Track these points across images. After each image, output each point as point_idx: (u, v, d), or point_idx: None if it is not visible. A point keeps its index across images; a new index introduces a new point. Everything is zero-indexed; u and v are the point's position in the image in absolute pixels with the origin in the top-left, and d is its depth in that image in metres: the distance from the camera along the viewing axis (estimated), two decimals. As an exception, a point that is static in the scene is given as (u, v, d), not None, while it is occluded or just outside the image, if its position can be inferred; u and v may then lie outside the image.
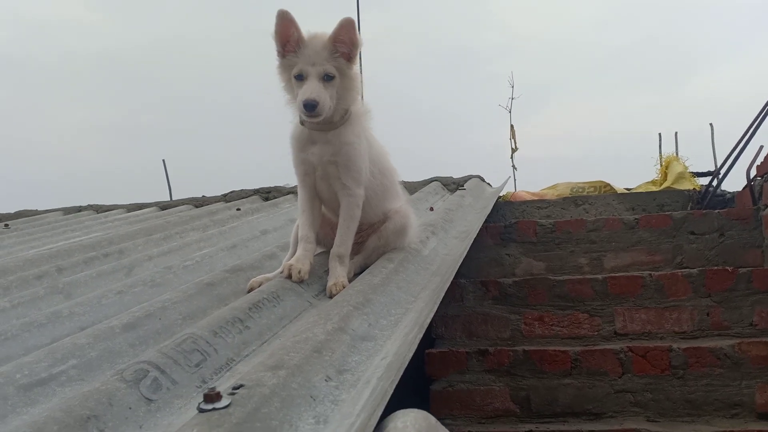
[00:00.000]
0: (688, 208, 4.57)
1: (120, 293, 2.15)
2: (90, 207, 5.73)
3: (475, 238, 3.24)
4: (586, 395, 2.92)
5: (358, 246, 2.35)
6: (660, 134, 6.56)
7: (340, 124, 2.14)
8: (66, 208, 5.82)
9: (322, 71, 2.00)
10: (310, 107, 1.96)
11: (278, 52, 2.07)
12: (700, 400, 2.82)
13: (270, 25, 2.03)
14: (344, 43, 2.01)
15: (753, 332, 3.09)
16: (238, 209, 4.40)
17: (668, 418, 2.84)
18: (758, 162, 3.81)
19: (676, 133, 6.52)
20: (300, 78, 2.02)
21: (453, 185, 4.77)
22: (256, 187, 5.45)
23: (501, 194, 5.23)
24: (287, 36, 2.02)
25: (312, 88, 1.97)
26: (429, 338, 3.31)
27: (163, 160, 8.68)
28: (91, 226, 4.49)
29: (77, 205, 5.84)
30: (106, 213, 5.37)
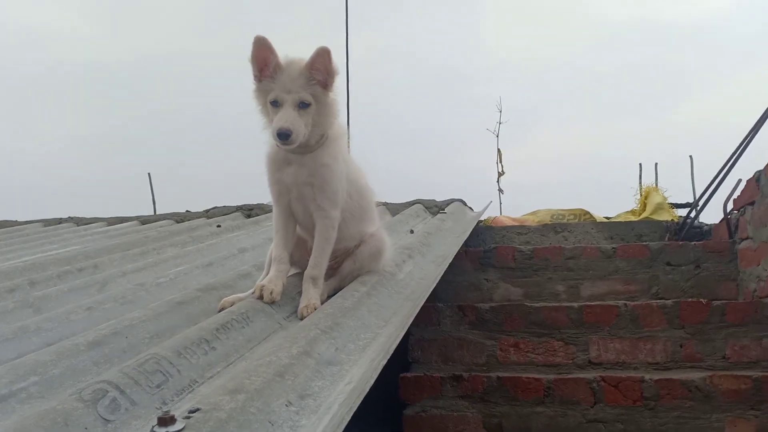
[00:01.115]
0: (666, 238, 4.61)
1: (89, 309, 2.13)
2: (71, 219, 5.70)
3: (454, 263, 3.25)
4: (558, 424, 2.92)
5: (333, 269, 2.34)
6: (640, 164, 6.63)
7: (316, 147, 2.15)
8: (46, 219, 5.78)
9: (297, 99, 2.00)
10: (283, 136, 1.97)
11: (255, 76, 2.07)
12: (670, 432, 2.83)
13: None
14: (320, 71, 2.02)
15: (725, 365, 3.11)
16: (219, 226, 4.39)
17: (639, 449, 2.84)
18: (735, 196, 3.85)
19: (656, 163, 6.60)
20: (276, 104, 2.03)
21: (435, 208, 4.78)
22: (240, 203, 5.44)
23: (482, 219, 5.25)
24: (264, 61, 2.03)
25: (286, 117, 1.97)
26: (405, 362, 3.31)
27: (149, 174, 8.65)
28: (69, 239, 4.46)
29: (58, 217, 5.80)
30: (86, 226, 5.34)
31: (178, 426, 1.07)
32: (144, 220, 5.40)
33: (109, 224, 5.40)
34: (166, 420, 1.07)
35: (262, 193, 5.50)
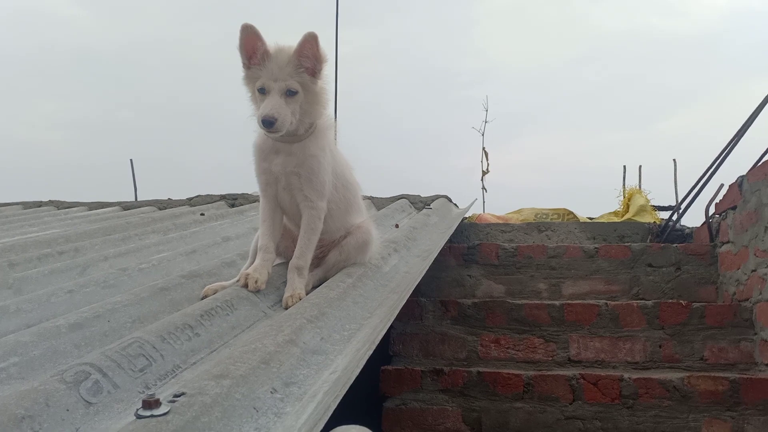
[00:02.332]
0: (648, 240, 4.65)
1: (70, 292, 2.11)
2: (51, 203, 5.62)
3: (438, 258, 3.25)
4: (536, 420, 2.94)
5: (318, 259, 2.34)
6: (624, 167, 6.70)
7: (305, 137, 2.14)
8: (26, 202, 5.70)
9: (284, 87, 1.99)
10: (268, 124, 1.95)
11: (244, 64, 2.06)
12: (647, 431, 2.86)
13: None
14: (308, 57, 2.00)
15: (703, 366, 3.15)
16: (202, 214, 4.36)
17: (615, 447, 2.87)
18: (717, 200, 3.89)
19: (640, 166, 6.67)
20: (263, 91, 2.01)
21: (420, 204, 4.78)
22: (223, 192, 5.40)
23: (467, 215, 5.26)
24: (252, 49, 2.01)
25: (272, 105, 1.96)
26: (386, 355, 3.31)
27: (131, 160, 8.59)
28: (49, 222, 4.40)
29: (38, 200, 5.72)
30: (67, 210, 5.27)
31: (162, 409, 1.06)
32: (126, 206, 5.34)
33: (90, 209, 5.34)
34: (150, 403, 1.05)
35: (245, 184, 5.47)
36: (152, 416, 1.04)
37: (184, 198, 5.46)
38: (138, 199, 6.36)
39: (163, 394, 1.12)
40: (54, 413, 1.16)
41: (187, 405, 1.10)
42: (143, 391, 1.35)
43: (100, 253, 2.89)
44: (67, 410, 1.18)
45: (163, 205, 5.28)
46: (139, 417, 1.05)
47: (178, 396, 1.13)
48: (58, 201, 5.65)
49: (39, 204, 5.58)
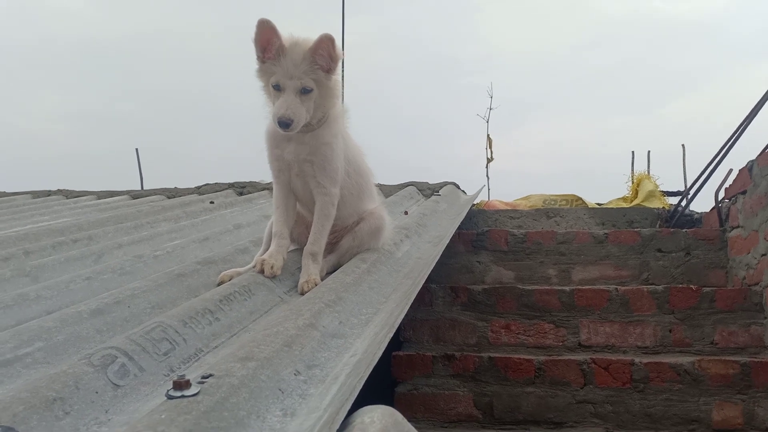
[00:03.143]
0: (657, 225, 4.65)
1: (88, 279, 2.13)
2: (60, 192, 5.64)
3: (447, 244, 3.26)
4: (548, 404, 2.96)
5: (331, 245, 2.35)
6: (633, 152, 6.68)
7: (318, 126, 2.15)
8: (35, 191, 5.72)
9: (299, 85, 1.99)
10: (284, 125, 1.97)
11: (258, 57, 2.05)
12: (658, 414, 2.88)
13: (252, 22, 2.02)
14: (323, 56, 2.00)
15: (713, 350, 3.17)
16: (212, 202, 4.37)
17: (627, 430, 2.89)
18: (727, 185, 3.89)
19: (648, 152, 6.65)
20: (278, 88, 2.02)
21: (428, 191, 4.79)
22: (231, 181, 5.42)
23: (475, 202, 5.27)
24: (267, 42, 2.00)
25: (287, 104, 1.96)
26: (397, 341, 3.33)
27: (136, 149, 8.60)
28: (60, 210, 4.42)
29: (47, 189, 5.74)
30: (76, 199, 5.29)
31: (193, 390, 1.07)
32: (135, 195, 5.36)
33: (99, 198, 5.36)
34: (181, 384, 1.07)
35: (252, 172, 5.48)
36: (183, 396, 1.06)
37: (192, 187, 5.48)
38: (144, 188, 6.38)
39: (192, 375, 1.14)
40: (84, 396, 1.18)
41: (216, 386, 1.12)
42: (168, 374, 1.37)
43: (113, 241, 2.91)
44: (96, 393, 1.20)
45: (171, 193, 5.30)
46: (170, 398, 1.06)
47: (206, 377, 1.14)
48: (67, 190, 5.67)
49: (48, 193, 5.61)
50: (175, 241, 2.97)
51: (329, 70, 2.05)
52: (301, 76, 1.99)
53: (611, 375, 2.95)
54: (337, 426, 1.04)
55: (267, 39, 2.01)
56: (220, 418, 1.05)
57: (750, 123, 4.08)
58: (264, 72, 2.07)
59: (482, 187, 5.28)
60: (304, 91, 2.02)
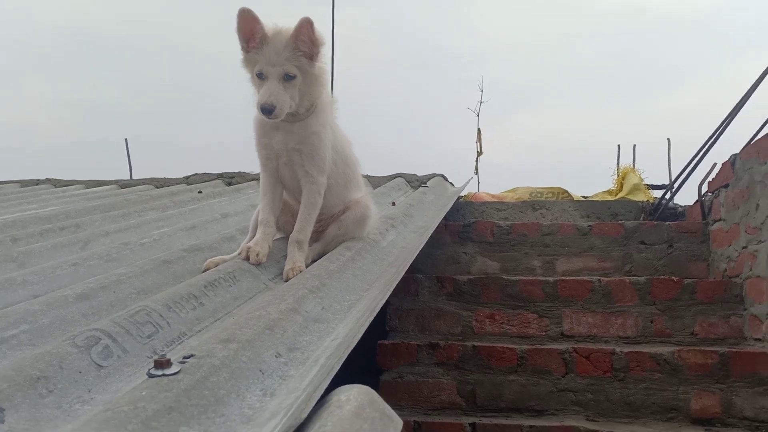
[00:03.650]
0: (641, 218, 4.71)
1: (75, 265, 2.15)
2: (48, 181, 5.64)
3: (434, 236, 3.30)
4: (530, 392, 3.00)
5: (317, 234, 2.38)
6: (619, 146, 6.75)
7: (306, 116, 2.17)
8: (23, 180, 5.72)
9: (282, 72, 2.01)
10: (266, 111, 1.98)
11: (242, 47, 2.07)
12: (638, 403, 2.93)
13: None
14: (304, 42, 2.01)
15: (693, 341, 3.22)
16: (200, 192, 4.39)
17: (607, 418, 2.94)
18: (710, 179, 3.94)
19: (634, 145, 6.72)
20: (261, 76, 2.03)
21: (416, 182, 4.82)
22: (220, 171, 5.42)
23: (462, 194, 5.31)
24: (250, 32, 2.02)
25: (270, 91, 1.98)
26: (383, 330, 3.37)
27: (126, 139, 8.59)
28: (48, 199, 4.42)
29: (35, 178, 5.74)
30: (64, 188, 5.29)
31: (173, 369, 1.10)
32: (123, 184, 5.36)
33: (87, 187, 5.36)
34: (162, 363, 1.10)
35: (240, 162, 5.50)
36: (164, 375, 1.09)
37: (181, 176, 5.48)
38: (133, 178, 6.38)
39: (174, 356, 1.17)
40: (67, 375, 1.20)
41: (197, 366, 1.15)
42: (151, 356, 1.40)
43: (100, 229, 2.92)
44: (80, 372, 1.23)
45: (159, 183, 5.30)
46: (151, 376, 1.09)
47: (188, 357, 1.17)
48: (55, 179, 5.67)
49: (36, 182, 5.60)
50: (162, 229, 2.99)
51: (312, 57, 2.06)
52: (283, 62, 2.01)
53: (592, 364, 2.99)
54: (313, 403, 1.07)
55: (249, 28, 2.02)
56: (200, 396, 1.08)
57: (734, 117, 4.14)
58: (248, 61, 2.09)
59: (470, 179, 5.33)
60: (287, 78, 2.03)
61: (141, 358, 1.38)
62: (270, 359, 1.34)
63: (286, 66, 2.02)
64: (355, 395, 1.05)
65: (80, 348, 1.28)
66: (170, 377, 1.08)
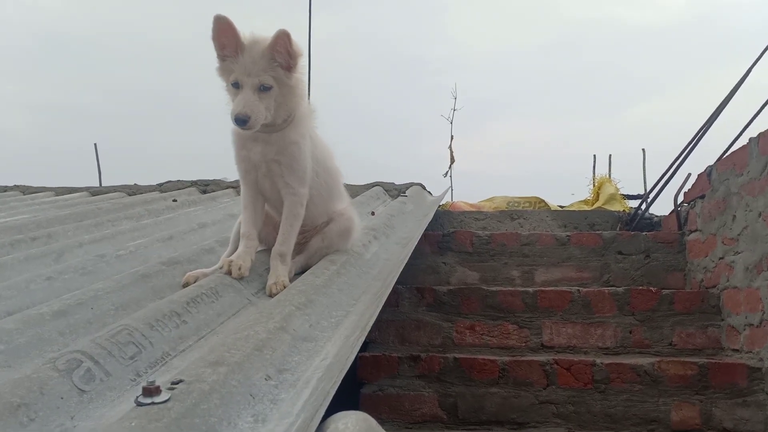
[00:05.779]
0: (618, 228, 4.74)
1: (49, 279, 2.08)
2: (16, 187, 5.50)
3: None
4: (511, 404, 2.99)
5: (300, 246, 2.34)
6: (595, 156, 6.81)
7: (283, 127, 2.13)
8: (-11, 187, 5.56)
9: (257, 82, 1.96)
10: (240, 122, 1.94)
11: (218, 55, 2.02)
12: (619, 415, 2.93)
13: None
14: (281, 53, 1.97)
15: (672, 351, 3.24)
16: (175, 200, 4.31)
17: (588, 430, 2.93)
18: (686, 189, 3.98)
19: (610, 155, 6.78)
20: (236, 86, 1.99)
21: (395, 191, 4.80)
22: (194, 178, 5.33)
23: (441, 203, 5.30)
24: (226, 40, 1.98)
25: (245, 101, 1.94)
26: (363, 342, 3.32)
27: (95, 144, 8.44)
28: (17, 207, 4.30)
29: (3, 185, 5.58)
30: (33, 195, 5.16)
31: (163, 396, 1.05)
32: (94, 192, 5.25)
33: (58, 194, 5.23)
34: (151, 390, 1.05)
35: (214, 170, 5.42)
36: (153, 403, 1.04)
37: (154, 184, 5.38)
38: (103, 185, 6.25)
39: (161, 381, 1.12)
40: (49, 401, 1.15)
41: (186, 392, 1.10)
42: (135, 379, 1.35)
43: (74, 240, 2.84)
44: (62, 398, 1.17)
45: (132, 190, 5.19)
46: (140, 404, 1.04)
47: (177, 383, 1.13)
48: (24, 186, 5.52)
49: (4, 189, 5.46)
50: (138, 240, 2.91)
51: (289, 68, 2.02)
52: (259, 73, 1.96)
53: (573, 376, 2.99)
54: (311, 432, 1.03)
55: (225, 36, 1.98)
56: (191, 425, 1.03)
57: (709, 128, 4.19)
58: (224, 70, 2.04)
59: (447, 189, 5.32)
60: (263, 89, 1.99)
61: (124, 381, 1.32)
62: (260, 382, 1.29)
63: (263, 77, 1.97)
64: (353, 423, 1.02)
65: (61, 372, 1.22)
66: (160, 405, 1.04)
